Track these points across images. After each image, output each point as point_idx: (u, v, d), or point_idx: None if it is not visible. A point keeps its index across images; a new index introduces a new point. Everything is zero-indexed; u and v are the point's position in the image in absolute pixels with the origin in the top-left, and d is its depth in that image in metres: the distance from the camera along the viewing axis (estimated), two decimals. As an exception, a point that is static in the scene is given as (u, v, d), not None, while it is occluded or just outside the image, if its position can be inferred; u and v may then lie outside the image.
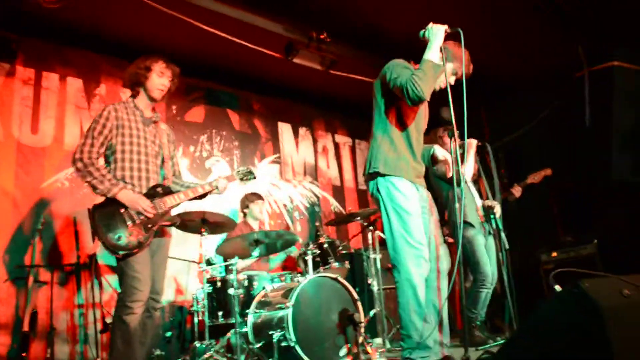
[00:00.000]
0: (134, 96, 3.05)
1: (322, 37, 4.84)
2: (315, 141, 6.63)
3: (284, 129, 6.39)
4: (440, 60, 2.77)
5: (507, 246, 4.19)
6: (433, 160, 3.07)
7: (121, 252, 2.72)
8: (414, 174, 2.86)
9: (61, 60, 4.78)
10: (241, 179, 3.36)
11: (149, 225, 2.82)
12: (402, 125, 2.89)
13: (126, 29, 4.84)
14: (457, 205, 2.75)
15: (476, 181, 4.72)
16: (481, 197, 4.61)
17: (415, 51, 2.76)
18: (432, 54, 2.75)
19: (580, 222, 6.31)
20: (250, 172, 3.40)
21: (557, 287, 2.04)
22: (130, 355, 2.74)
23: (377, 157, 2.85)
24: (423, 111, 3.05)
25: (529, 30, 5.29)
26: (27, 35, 4.59)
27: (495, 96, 6.84)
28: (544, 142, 6.33)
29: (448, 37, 2.82)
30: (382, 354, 3.96)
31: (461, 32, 2.72)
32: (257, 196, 5.02)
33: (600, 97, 5.43)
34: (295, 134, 6.47)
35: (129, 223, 2.78)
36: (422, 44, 2.82)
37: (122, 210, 2.79)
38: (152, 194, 2.90)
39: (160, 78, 3.04)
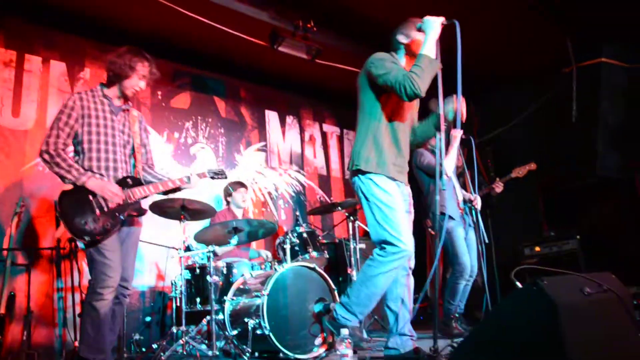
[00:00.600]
0: (106, 85, 3.01)
1: (308, 26, 4.81)
2: (302, 130, 6.62)
3: (271, 117, 6.37)
4: (434, 52, 2.74)
5: (486, 240, 4.22)
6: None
7: (86, 238, 2.72)
8: (395, 170, 2.84)
9: (45, 43, 4.74)
10: (212, 178, 3.34)
11: (117, 213, 2.83)
12: (388, 119, 2.85)
13: (112, 14, 4.81)
14: (437, 197, 2.75)
15: (461, 174, 4.74)
16: (465, 190, 4.63)
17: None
18: (429, 48, 2.72)
19: (565, 218, 6.35)
20: (222, 172, 3.42)
21: (518, 284, 2.06)
22: (100, 341, 2.76)
23: (360, 153, 2.85)
24: (413, 102, 3.01)
25: (518, 25, 5.29)
26: (9, 15, 4.54)
27: (484, 90, 6.83)
28: (531, 137, 6.35)
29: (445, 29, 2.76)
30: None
31: (457, 24, 2.68)
32: (240, 184, 5.02)
33: (588, 93, 5.43)
34: (282, 122, 6.46)
35: (97, 211, 2.78)
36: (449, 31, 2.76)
37: (91, 197, 2.79)
38: (122, 184, 2.90)
39: (140, 80, 3.01)
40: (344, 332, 2.50)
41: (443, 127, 2.70)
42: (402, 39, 2.90)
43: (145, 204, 3.06)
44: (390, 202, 2.75)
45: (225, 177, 3.44)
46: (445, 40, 2.78)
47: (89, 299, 2.75)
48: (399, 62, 2.87)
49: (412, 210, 3.01)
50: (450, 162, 4.23)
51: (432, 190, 4.34)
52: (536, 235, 6.01)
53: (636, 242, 5.62)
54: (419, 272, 6.75)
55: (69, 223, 2.72)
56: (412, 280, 2.92)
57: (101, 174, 2.85)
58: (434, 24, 2.74)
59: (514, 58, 6.00)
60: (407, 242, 2.71)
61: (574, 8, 5.06)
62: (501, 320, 2.00)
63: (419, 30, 2.82)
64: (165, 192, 3.12)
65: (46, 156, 2.79)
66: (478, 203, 4.33)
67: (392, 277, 2.76)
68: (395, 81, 2.65)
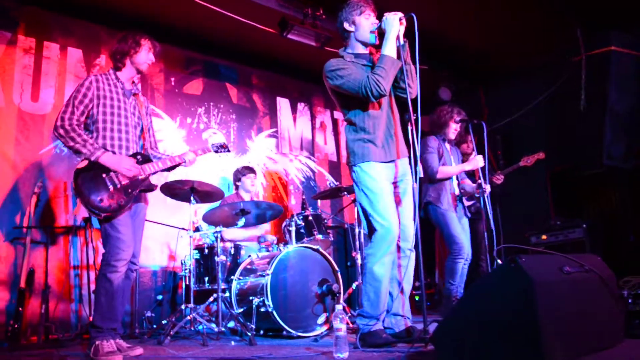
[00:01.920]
0: (117, 69, 3.16)
1: (317, 13, 4.91)
2: (313, 117, 6.73)
3: (283, 104, 6.49)
4: (396, 50, 2.83)
5: (492, 225, 4.30)
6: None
7: (103, 214, 2.88)
8: (383, 152, 2.93)
9: (62, 31, 4.91)
10: (216, 152, 3.49)
11: (129, 190, 2.98)
12: (364, 108, 2.94)
13: (127, 2, 4.96)
14: (415, 185, 2.83)
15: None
16: (474, 177, 4.70)
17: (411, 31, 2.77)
18: (390, 48, 2.82)
19: (573, 206, 6.38)
20: (225, 146, 3.55)
21: (499, 262, 2.15)
22: (113, 311, 2.93)
23: (349, 148, 2.99)
24: None
25: (529, 14, 5.32)
26: (28, 4, 4.71)
27: (495, 78, 6.88)
28: (540, 126, 6.37)
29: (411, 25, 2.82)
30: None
31: (415, 17, 2.75)
32: (249, 170, 5.15)
33: (597, 82, 5.42)
34: (294, 109, 6.58)
35: (111, 187, 2.93)
36: (408, 23, 2.83)
37: (104, 175, 2.94)
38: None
39: (148, 53, 3.19)
40: (338, 307, 2.62)
41: (414, 117, 2.77)
42: (347, 27, 2.98)
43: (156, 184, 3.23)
44: (375, 187, 2.85)
45: (229, 151, 3.58)
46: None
47: (103, 271, 2.90)
48: (350, 55, 2.98)
49: (411, 189, 3.02)
50: (454, 170, 4.34)
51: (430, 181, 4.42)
52: (544, 224, 6.05)
53: (642, 231, 5.64)
54: (427, 259, 6.88)
55: (85, 200, 2.87)
56: (411, 261, 2.96)
57: (113, 152, 3.00)
58: (394, 22, 2.80)
59: (524, 47, 6.02)
60: (391, 222, 2.80)
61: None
62: (481, 297, 2.09)
63: (380, 29, 2.89)
64: (170, 168, 3.26)
65: (61, 131, 2.92)
66: (487, 189, 4.38)
67: (389, 264, 2.84)
68: (360, 86, 2.79)
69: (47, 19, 4.83)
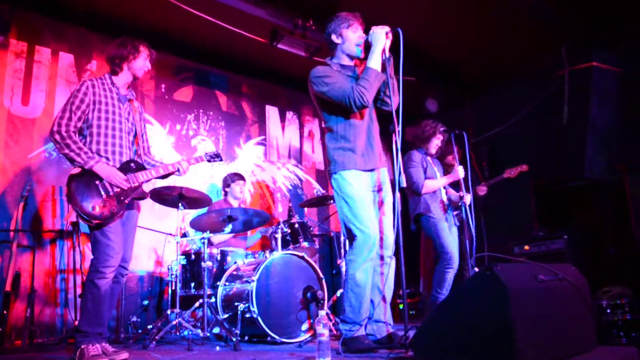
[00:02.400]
0: (114, 73, 3.19)
1: (307, 24, 4.99)
2: (302, 125, 6.81)
3: (271, 112, 6.56)
4: (381, 63, 2.92)
5: (474, 234, 4.39)
6: None
7: (94, 221, 2.91)
8: (363, 160, 3.00)
9: (54, 35, 4.95)
10: (209, 161, 3.53)
11: (122, 198, 3.01)
12: (346, 117, 3.02)
13: (120, 9, 5.02)
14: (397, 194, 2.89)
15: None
16: (457, 187, 4.78)
17: (405, 41, 2.85)
18: (375, 61, 2.91)
19: (556, 218, 6.50)
20: (218, 155, 3.57)
21: (476, 269, 2.23)
22: (99, 316, 2.95)
23: (329, 155, 3.06)
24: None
25: (515, 29, 5.46)
26: (21, 8, 4.75)
27: (481, 91, 7.01)
28: (525, 138, 6.49)
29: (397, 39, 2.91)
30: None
31: (400, 32, 2.85)
32: (238, 176, 5.21)
33: (579, 97, 5.56)
34: (282, 117, 6.65)
35: (104, 194, 2.96)
36: (395, 38, 2.92)
37: (97, 182, 2.96)
38: (125, 168, 3.07)
39: (145, 60, 3.24)
40: (322, 313, 2.67)
41: (398, 128, 2.85)
42: (335, 39, 3.07)
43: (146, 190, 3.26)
44: (354, 194, 2.92)
45: (221, 160, 3.61)
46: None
47: (90, 277, 2.92)
48: (336, 64, 3.06)
49: (390, 198, 3.11)
50: (438, 183, 4.43)
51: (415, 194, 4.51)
52: (527, 234, 6.16)
53: (623, 243, 5.76)
54: (411, 268, 6.95)
55: (77, 206, 2.89)
56: (391, 269, 3.02)
57: (107, 158, 3.03)
58: (380, 36, 2.89)
59: (510, 61, 6.17)
60: (371, 229, 2.87)
61: (568, 14, 5.22)
62: (458, 303, 2.17)
63: (367, 42, 2.98)
64: (163, 177, 3.29)
65: (57, 137, 2.94)
66: (468, 199, 4.47)
67: (370, 270, 2.91)
68: (343, 95, 2.87)
69: (39, 24, 4.87)
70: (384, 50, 2.94)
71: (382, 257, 3.02)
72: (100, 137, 3.04)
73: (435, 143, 4.61)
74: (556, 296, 2.25)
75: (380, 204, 3.09)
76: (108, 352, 2.89)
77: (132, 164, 3.11)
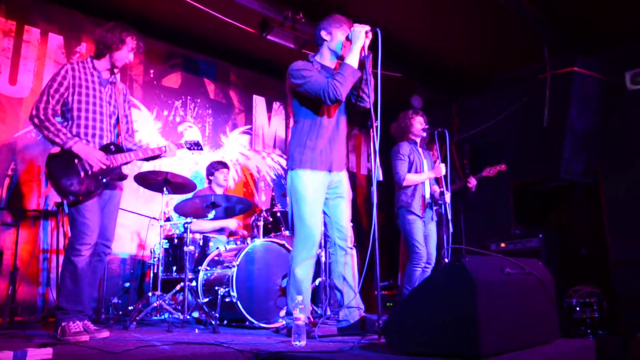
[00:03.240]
0: (96, 57, 3.22)
1: (297, 17, 5.05)
2: (287, 116, 6.88)
3: (258, 102, 6.63)
4: (358, 61, 3.03)
5: (451, 229, 4.52)
6: None
7: (71, 197, 2.97)
8: (320, 161, 3.10)
9: (44, 16, 4.95)
10: (189, 149, 3.59)
11: (100, 177, 3.07)
12: (314, 115, 3.13)
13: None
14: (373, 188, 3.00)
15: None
16: (437, 184, 4.90)
17: (393, 38, 2.94)
18: (353, 58, 3.02)
19: (533, 217, 6.68)
20: (198, 144, 3.66)
21: (446, 260, 2.35)
22: (79, 293, 3.00)
23: (289, 151, 3.20)
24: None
25: (502, 31, 5.59)
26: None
27: (466, 90, 7.14)
28: (506, 138, 6.66)
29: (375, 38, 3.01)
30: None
31: (379, 32, 2.96)
32: (222, 165, 5.27)
33: (559, 100, 5.71)
34: (269, 108, 6.72)
35: (82, 173, 3.02)
36: (374, 37, 3.02)
37: (76, 161, 3.03)
38: (105, 150, 3.13)
39: (129, 52, 3.24)
40: (298, 298, 2.78)
41: (375, 124, 2.95)
42: (324, 35, 3.19)
43: (130, 174, 3.32)
44: (304, 194, 3.06)
45: (202, 149, 3.68)
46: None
47: (68, 254, 2.99)
48: (318, 64, 3.17)
49: (347, 195, 3.26)
50: (420, 177, 4.53)
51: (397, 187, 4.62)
52: (504, 232, 6.33)
53: (596, 243, 5.95)
54: (392, 262, 7.08)
55: (55, 183, 2.97)
56: (353, 257, 3.21)
57: (87, 140, 3.08)
58: (360, 35, 3.00)
59: (496, 62, 6.32)
60: (313, 230, 3.04)
61: (553, 19, 5.35)
62: (427, 292, 2.28)
63: (347, 39, 3.10)
64: (146, 159, 3.36)
65: (36, 120, 3.00)
66: (448, 197, 4.60)
67: (310, 266, 3.10)
68: (319, 88, 2.98)
69: (29, 3, 4.87)
70: (363, 48, 3.04)
71: (343, 249, 3.18)
72: (80, 120, 3.09)
73: (417, 126, 4.65)
74: (521, 289, 2.37)
75: (339, 198, 3.21)
76: (89, 330, 2.95)
77: (111, 147, 3.17)
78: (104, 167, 3.08)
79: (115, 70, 3.29)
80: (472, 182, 5.25)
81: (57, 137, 3.00)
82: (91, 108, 3.12)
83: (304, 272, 3.08)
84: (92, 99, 3.13)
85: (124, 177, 3.24)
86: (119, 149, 3.20)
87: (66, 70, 3.10)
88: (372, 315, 3.23)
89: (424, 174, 4.61)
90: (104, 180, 3.09)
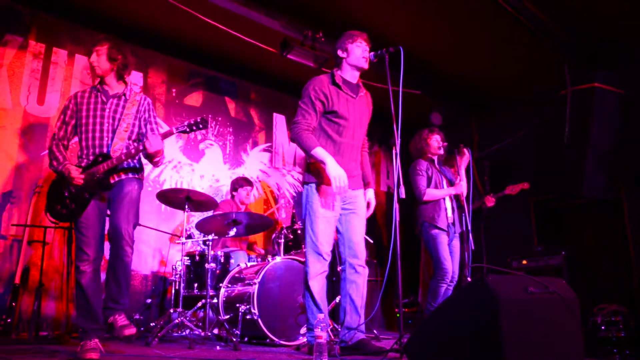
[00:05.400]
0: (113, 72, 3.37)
1: (317, 36, 5.12)
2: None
3: (279, 120, 6.70)
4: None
5: (472, 247, 4.48)
6: None
7: (60, 221, 3.20)
8: None
9: (71, 38, 5.10)
10: (187, 132, 3.33)
11: (83, 194, 3.15)
12: (329, 130, 3.16)
13: (134, 14, 5.16)
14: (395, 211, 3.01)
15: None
16: (459, 201, 4.88)
17: (413, 56, 3.00)
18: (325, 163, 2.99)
19: (555, 234, 6.60)
20: (201, 122, 3.32)
21: (469, 279, 2.33)
22: (90, 310, 3.07)
23: (305, 165, 3.23)
24: (357, 112, 3.24)
25: (522, 49, 5.59)
26: (42, 11, 4.91)
27: (486, 106, 7.13)
28: (527, 154, 6.60)
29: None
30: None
31: (402, 50, 3.04)
32: (247, 182, 5.34)
33: (580, 116, 5.67)
34: (289, 125, 6.78)
35: (66, 194, 3.18)
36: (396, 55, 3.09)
37: (64, 185, 3.20)
38: (94, 163, 3.19)
39: (97, 57, 3.31)
40: (320, 316, 2.78)
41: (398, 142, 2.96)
42: (341, 53, 3.25)
43: (152, 192, 3.37)
44: (319, 210, 3.08)
45: (206, 127, 3.39)
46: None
47: (75, 276, 3.11)
48: (340, 77, 3.20)
49: (361, 211, 3.26)
50: (441, 193, 4.53)
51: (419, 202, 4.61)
52: (526, 249, 6.25)
53: (619, 261, 5.85)
54: (412, 278, 7.04)
55: (50, 209, 3.20)
56: (363, 277, 3.18)
57: (82, 157, 3.23)
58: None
59: (516, 78, 6.30)
60: (324, 245, 3.06)
61: (572, 34, 5.35)
62: (451, 311, 2.28)
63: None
64: (148, 157, 3.32)
65: (48, 151, 3.30)
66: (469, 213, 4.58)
67: (322, 280, 3.11)
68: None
69: (57, 26, 5.02)
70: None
71: (353, 266, 3.17)
72: (82, 135, 3.27)
73: (434, 145, 4.65)
74: (545, 308, 2.35)
75: (352, 215, 3.22)
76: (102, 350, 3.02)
77: (99, 158, 3.20)
78: (79, 184, 3.14)
79: (127, 83, 3.41)
80: (490, 202, 5.23)
81: (51, 166, 3.25)
82: (91, 127, 3.24)
83: (318, 284, 3.10)
84: (92, 119, 3.25)
85: (109, 187, 3.24)
86: (106, 158, 3.19)
87: (69, 100, 3.34)
88: (394, 333, 3.21)
89: (444, 190, 4.59)
90: (87, 195, 3.16)
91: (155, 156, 3.29)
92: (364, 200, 3.31)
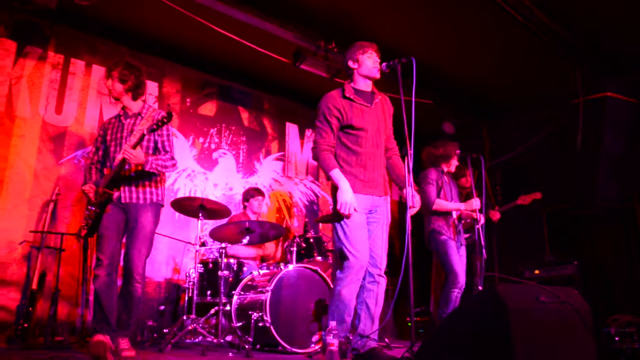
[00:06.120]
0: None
1: (329, 46, 5.18)
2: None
3: (291, 130, 6.76)
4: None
5: (484, 256, 4.49)
6: None
7: (83, 236, 3.58)
8: (361, 185, 3.14)
9: (88, 49, 5.21)
10: (153, 130, 3.31)
11: (95, 209, 3.49)
12: (348, 143, 3.18)
13: (149, 26, 5.29)
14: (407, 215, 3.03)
15: (469, 194, 4.99)
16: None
17: (424, 65, 3.03)
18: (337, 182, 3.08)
19: (568, 244, 6.56)
20: (165, 117, 3.25)
21: (480, 288, 2.35)
22: (103, 312, 3.33)
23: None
24: (374, 119, 3.25)
25: (533, 57, 5.60)
26: (60, 23, 5.03)
27: (497, 115, 7.13)
28: (539, 163, 6.59)
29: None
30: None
31: (414, 61, 3.06)
32: (258, 192, 5.38)
33: (593, 125, 5.66)
34: (302, 135, 6.84)
35: (86, 212, 3.56)
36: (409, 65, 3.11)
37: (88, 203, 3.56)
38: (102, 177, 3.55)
39: (114, 84, 3.58)
40: (332, 324, 2.81)
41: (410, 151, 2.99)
42: (352, 65, 3.27)
43: (167, 200, 3.45)
44: (350, 219, 3.06)
45: (170, 119, 3.29)
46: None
47: (93, 281, 3.38)
48: (351, 89, 3.23)
49: (385, 221, 3.26)
50: (451, 206, 4.54)
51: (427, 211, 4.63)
52: (539, 259, 6.22)
53: (633, 270, 5.80)
54: (423, 288, 7.02)
55: (80, 229, 3.66)
56: (381, 286, 3.18)
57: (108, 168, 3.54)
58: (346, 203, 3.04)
59: (527, 87, 6.30)
60: (359, 254, 3.03)
61: (583, 41, 5.35)
62: (462, 319, 2.29)
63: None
64: (122, 167, 3.46)
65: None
66: (482, 221, 4.59)
67: (354, 289, 3.06)
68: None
69: (75, 38, 5.13)
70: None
71: (372, 275, 3.16)
72: (106, 159, 3.59)
73: (454, 163, 4.74)
74: (557, 318, 2.36)
75: (375, 224, 3.22)
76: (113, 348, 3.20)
77: (104, 170, 3.54)
78: (92, 199, 3.50)
79: (144, 102, 3.69)
80: (495, 216, 5.23)
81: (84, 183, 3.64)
82: (112, 149, 3.54)
83: (350, 293, 3.05)
84: (113, 141, 3.55)
85: (109, 198, 3.47)
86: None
87: (100, 127, 3.79)
88: (405, 342, 3.22)
89: (454, 204, 4.59)
90: (93, 207, 3.49)
91: (145, 167, 3.43)
92: (389, 209, 3.32)
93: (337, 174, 3.07)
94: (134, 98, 3.57)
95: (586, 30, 5.17)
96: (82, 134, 5.00)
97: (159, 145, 3.56)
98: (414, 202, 3.08)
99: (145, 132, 3.30)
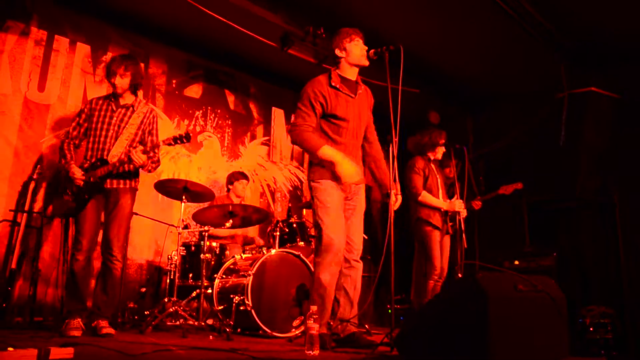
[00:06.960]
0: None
1: (318, 32, 5.15)
2: (306, 129, 6.96)
3: (277, 114, 6.74)
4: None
5: (465, 245, 4.55)
6: None
7: (60, 216, 3.73)
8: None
9: (73, 26, 5.11)
10: (171, 145, 3.61)
11: (81, 195, 3.50)
12: (329, 132, 3.19)
13: (136, 4, 5.19)
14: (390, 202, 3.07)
15: (452, 185, 5.04)
16: (450, 197, 4.94)
17: (411, 54, 3.03)
18: (328, 156, 3.04)
19: (548, 236, 6.66)
20: (185, 137, 3.59)
21: (459, 275, 2.40)
22: (77, 293, 3.49)
23: (310, 163, 3.27)
24: (356, 110, 3.27)
25: (519, 50, 5.63)
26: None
27: (482, 106, 7.18)
28: (522, 155, 6.66)
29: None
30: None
31: (402, 49, 3.07)
32: (242, 176, 5.38)
33: (576, 119, 5.73)
34: (288, 120, 6.81)
35: (69, 192, 3.53)
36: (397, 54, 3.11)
37: (67, 184, 3.54)
38: (93, 166, 3.53)
39: (121, 79, 3.66)
40: (313, 308, 2.83)
41: (395, 139, 3.01)
42: (339, 53, 3.26)
43: (150, 182, 3.44)
44: (328, 202, 3.10)
45: (189, 140, 3.63)
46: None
47: (70, 262, 3.49)
48: (340, 73, 3.24)
49: (360, 207, 3.32)
50: (435, 202, 4.58)
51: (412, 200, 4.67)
52: (518, 250, 6.31)
53: (610, 263, 5.92)
54: (405, 277, 7.09)
55: (54, 204, 3.61)
56: (357, 271, 3.23)
57: (86, 159, 3.58)
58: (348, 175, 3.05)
59: (512, 80, 6.36)
60: (337, 236, 3.05)
61: (568, 35, 5.39)
62: (441, 306, 2.33)
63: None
64: (124, 165, 3.58)
65: (59, 146, 3.69)
66: (463, 212, 4.64)
67: (334, 272, 3.07)
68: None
69: (59, 14, 5.03)
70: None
71: (348, 261, 3.20)
72: (89, 138, 3.64)
73: (441, 150, 4.76)
74: (533, 306, 2.41)
75: (351, 210, 3.26)
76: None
77: (98, 162, 3.53)
78: (79, 185, 3.48)
79: (137, 95, 3.78)
80: (477, 205, 5.29)
81: (59, 162, 3.63)
82: (99, 133, 3.60)
83: (329, 277, 3.05)
84: (100, 124, 3.62)
85: (105, 191, 3.58)
86: (104, 163, 3.52)
87: (85, 105, 3.73)
88: (380, 331, 3.27)
89: (438, 201, 4.62)
90: (86, 197, 3.50)
91: (143, 167, 3.62)
92: (364, 196, 3.35)
93: (327, 149, 3.03)
94: (132, 92, 3.72)
95: (571, 23, 5.20)
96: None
97: (145, 135, 3.74)
98: (396, 204, 3.15)
99: (160, 144, 3.59)
